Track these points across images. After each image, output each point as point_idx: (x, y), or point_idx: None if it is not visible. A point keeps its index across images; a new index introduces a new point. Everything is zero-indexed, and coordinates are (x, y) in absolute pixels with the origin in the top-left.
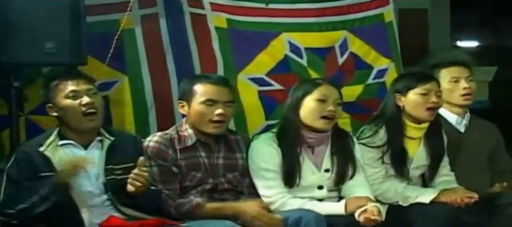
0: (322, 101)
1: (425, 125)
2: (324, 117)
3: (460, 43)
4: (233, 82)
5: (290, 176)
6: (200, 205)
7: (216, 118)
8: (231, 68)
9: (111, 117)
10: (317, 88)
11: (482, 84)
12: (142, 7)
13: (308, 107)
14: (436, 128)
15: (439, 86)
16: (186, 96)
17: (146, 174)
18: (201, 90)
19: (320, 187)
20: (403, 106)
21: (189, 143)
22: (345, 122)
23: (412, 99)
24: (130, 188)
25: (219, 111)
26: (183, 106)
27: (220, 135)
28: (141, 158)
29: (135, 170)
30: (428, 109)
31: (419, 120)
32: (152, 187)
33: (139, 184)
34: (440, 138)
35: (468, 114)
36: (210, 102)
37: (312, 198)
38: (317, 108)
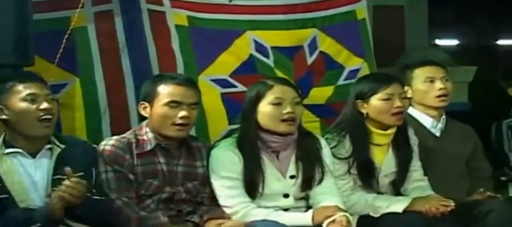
0: (277, 104)
1: (392, 130)
2: (284, 120)
3: (439, 42)
4: None
5: (252, 184)
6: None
7: (179, 121)
8: (192, 69)
9: (60, 123)
10: (270, 90)
11: (462, 85)
12: (95, 4)
13: (264, 112)
14: (402, 131)
15: (403, 87)
16: (149, 97)
17: (78, 184)
18: (165, 91)
19: (286, 195)
20: (367, 113)
21: (148, 147)
22: (314, 125)
23: (375, 106)
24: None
25: (183, 113)
26: (145, 107)
27: (182, 140)
28: (67, 168)
29: (65, 182)
30: (394, 114)
31: (385, 126)
32: (95, 197)
33: (68, 197)
34: (407, 142)
35: (444, 117)
36: (174, 104)
37: (278, 208)
38: (273, 112)
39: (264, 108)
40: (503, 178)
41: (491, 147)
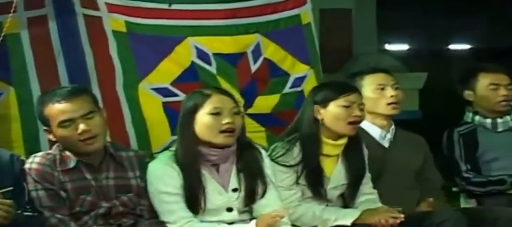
0: (215, 114)
1: (343, 141)
2: (222, 132)
3: (388, 47)
4: (134, 93)
5: (193, 199)
6: None
7: (81, 137)
8: (132, 77)
9: None
10: (208, 100)
11: (412, 92)
12: (28, 8)
13: (202, 123)
14: (355, 144)
15: (362, 98)
16: (45, 122)
17: (5, 205)
18: (52, 113)
19: (230, 209)
20: (322, 120)
21: (71, 164)
22: (260, 135)
23: (333, 112)
24: None
25: (80, 128)
26: (49, 132)
27: (103, 152)
28: None
29: None
30: (350, 123)
31: (337, 135)
32: (28, 213)
33: None
34: (360, 155)
35: (393, 127)
36: (67, 123)
37: (222, 222)
38: (211, 123)
39: (202, 119)
40: (454, 189)
41: (442, 156)
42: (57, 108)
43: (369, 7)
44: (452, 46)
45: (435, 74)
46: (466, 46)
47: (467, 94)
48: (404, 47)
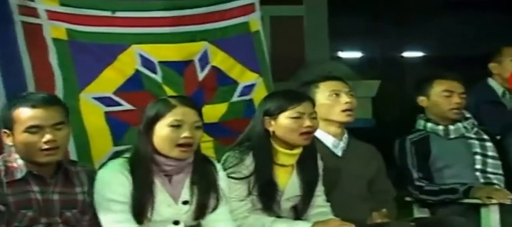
0: (176, 126)
1: (298, 151)
2: (180, 145)
3: (341, 54)
4: (75, 102)
5: (140, 209)
6: None
7: (45, 146)
8: (73, 86)
9: None
10: (171, 111)
11: (365, 100)
12: None
13: (161, 135)
14: (310, 153)
15: (314, 106)
16: (8, 124)
17: None
18: (22, 116)
19: (176, 222)
20: (274, 131)
21: (19, 175)
22: (207, 146)
23: (283, 124)
24: None
25: (47, 137)
26: (8, 135)
27: (58, 165)
28: None
29: None
30: (302, 133)
31: (291, 145)
32: None
33: None
34: (315, 165)
35: (346, 135)
36: (35, 129)
37: None
38: (170, 135)
39: (161, 130)
40: (407, 199)
41: (396, 165)
42: (28, 113)
43: (321, 14)
44: (406, 54)
45: (388, 82)
46: (420, 54)
47: (421, 99)
48: (357, 54)
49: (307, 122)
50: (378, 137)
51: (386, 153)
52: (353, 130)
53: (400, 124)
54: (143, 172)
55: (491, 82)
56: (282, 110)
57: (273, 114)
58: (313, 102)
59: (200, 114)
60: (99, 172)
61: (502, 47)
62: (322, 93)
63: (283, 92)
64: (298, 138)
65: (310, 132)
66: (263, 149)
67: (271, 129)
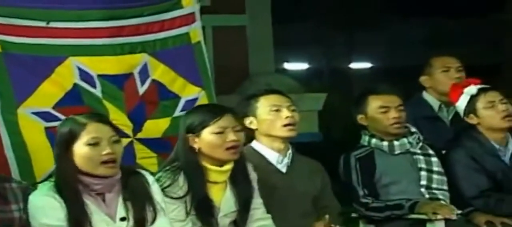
0: (94, 144)
1: (229, 167)
2: (103, 163)
3: (287, 65)
4: (13, 118)
5: None
6: None
7: None
8: (9, 101)
9: None
10: (84, 130)
11: (311, 113)
12: None
13: (81, 155)
14: (240, 168)
15: (237, 118)
16: None
17: None
18: None
19: None
20: (199, 148)
21: None
22: (151, 161)
23: (207, 140)
24: None
25: None
26: None
27: None
28: None
29: None
30: (228, 148)
31: (221, 162)
32: None
33: None
34: (247, 179)
35: (290, 151)
36: None
37: None
38: (90, 154)
39: (80, 150)
40: (353, 215)
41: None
42: None
43: (265, 23)
44: (353, 65)
45: (335, 94)
46: (367, 65)
47: (360, 118)
48: (304, 66)
49: (231, 136)
50: (325, 151)
51: (334, 168)
52: (299, 145)
53: (347, 138)
54: (72, 194)
55: (426, 96)
56: (203, 126)
57: (195, 131)
58: (235, 114)
59: (114, 128)
60: (30, 198)
61: (430, 59)
62: (263, 108)
63: (202, 107)
64: (224, 153)
65: (235, 146)
66: (192, 168)
67: (196, 146)
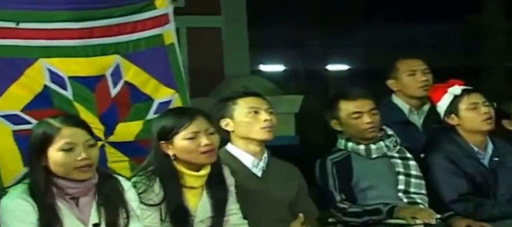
0: (68, 150)
1: (206, 171)
2: (78, 168)
3: (263, 67)
4: None
5: None
6: None
7: None
8: None
9: None
10: (59, 134)
11: (288, 116)
12: None
13: (55, 160)
14: (217, 172)
15: (209, 121)
16: None
17: None
18: None
19: None
20: (174, 155)
21: None
22: (123, 165)
23: (180, 146)
24: None
25: None
26: None
27: None
28: None
29: None
30: (203, 152)
31: (197, 166)
32: None
33: None
34: (223, 183)
35: (266, 155)
36: None
37: None
38: (65, 159)
39: (54, 155)
40: (331, 220)
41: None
42: None
43: (240, 25)
44: (330, 67)
45: (312, 97)
46: (345, 67)
47: (334, 123)
48: (280, 67)
49: (204, 140)
50: (301, 154)
51: (311, 172)
52: (275, 148)
53: (325, 141)
54: (44, 199)
55: (396, 99)
56: (175, 133)
57: (168, 138)
58: (207, 116)
59: (90, 132)
60: (1, 202)
61: (396, 62)
62: (240, 110)
63: (171, 112)
64: (200, 158)
65: (210, 150)
66: (168, 174)
67: (170, 152)
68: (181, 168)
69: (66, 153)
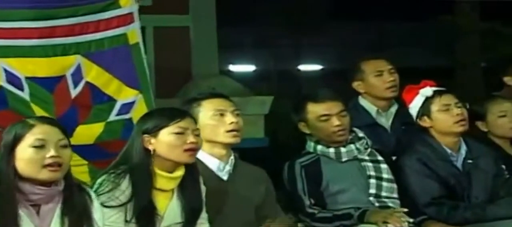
0: (39, 147)
1: (179, 174)
2: (47, 166)
3: (232, 67)
4: None
5: None
6: None
7: None
8: None
9: None
10: (30, 131)
11: (257, 117)
12: None
13: (24, 157)
14: (192, 177)
15: (196, 123)
16: None
17: None
18: None
19: None
20: (154, 150)
21: None
22: (82, 170)
23: (165, 140)
24: None
25: None
26: None
27: None
28: None
29: None
30: (187, 150)
31: (173, 167)
32: None
33: None
34: (198, 190)
35: (232, 157)
36: None
37: None
38: (34, 156)
39: (23, 153)
40: (300, 225)
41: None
42: None
43: (209, 24)
44: (302, 67)
45: (282, 98)
46: (317, 67)
47: (302, 126)
48: (250, 68)
49: (191, 138)
50: (271, 157)
51: (281, 175)
52: (244, 151)
53: (295, 144)
54: (6, 203)
55: (362, 101)
56: (163, 126)
57: (153, 131)
58: (195, 120)
59: (64, 132)
60: None
61: (360, 62)
62: (205, 112)
63: (162, 109)
64: (182, 155)
65: (194, 149)
66: (141, 171)
67: (151, 147)
68: (155, 168)
69: (36, 150)
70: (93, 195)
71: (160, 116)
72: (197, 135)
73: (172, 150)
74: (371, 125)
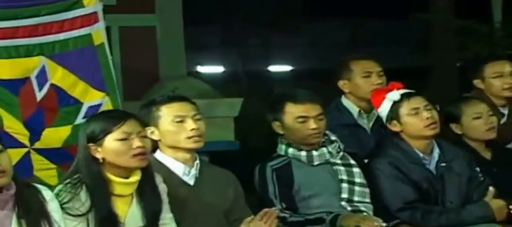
0: None
1: (135, 179)
2: None
3: (201, 68)
4: None
5: None
6: None
7: None
8: None
9: None
10: None
11: (227, 120)
12: None
13: None
14: (148, 180)
15: (141, 124)
16: None
17: None
18: None
19: None
20: (103, 159)
21: None
22: (50, 174)
23: (111, 148)
24: None
25: None
26: None
27: None
28: None
29: None
30: (135, 155)
31: (127, 172)
32: None
33: None
34: (155, 192)
35: (197, 161)
36: None
37: None
38: None
39: None
40: None
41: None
42: None
43: (176, 24)
44: (272, 68)
45: (253, 99)
46: (288, 68)
47: (276, 125)
48: (219, 69)
49: (137, 142)
50: (242, 160)
51: (252, 178)
52: (214, 154)
53: (267, 146)
54: None
55: (345, 101)
56: (106, 133)
57: (97, 139)
58: (140, 120)
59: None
60: None
61: (349, 61)
62: (165, 118)
63: (102, 113)
64: (131, 161)
65: (142, 153)
66: (95, 181)
67: (99, 156)
68: (109, 175)
69: None
70: (48, 195)
71: (100, 122)
72: (144, 137)
73: (120, 157)
74: (351, 126)
